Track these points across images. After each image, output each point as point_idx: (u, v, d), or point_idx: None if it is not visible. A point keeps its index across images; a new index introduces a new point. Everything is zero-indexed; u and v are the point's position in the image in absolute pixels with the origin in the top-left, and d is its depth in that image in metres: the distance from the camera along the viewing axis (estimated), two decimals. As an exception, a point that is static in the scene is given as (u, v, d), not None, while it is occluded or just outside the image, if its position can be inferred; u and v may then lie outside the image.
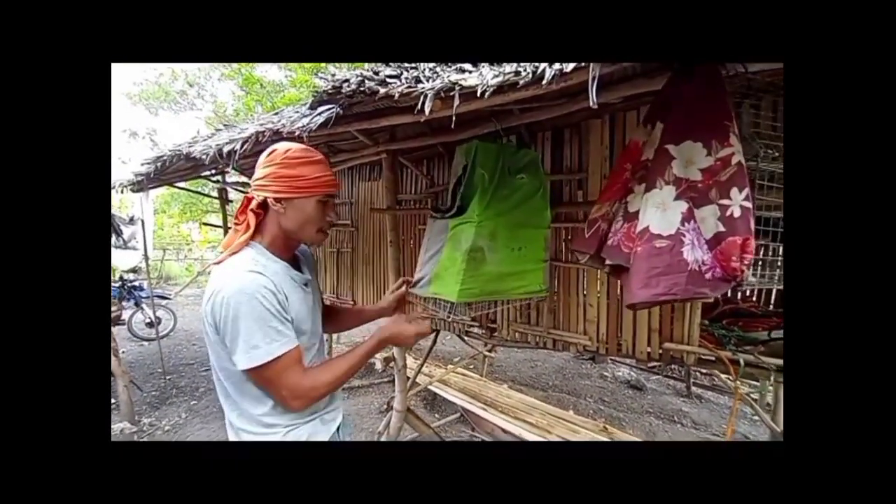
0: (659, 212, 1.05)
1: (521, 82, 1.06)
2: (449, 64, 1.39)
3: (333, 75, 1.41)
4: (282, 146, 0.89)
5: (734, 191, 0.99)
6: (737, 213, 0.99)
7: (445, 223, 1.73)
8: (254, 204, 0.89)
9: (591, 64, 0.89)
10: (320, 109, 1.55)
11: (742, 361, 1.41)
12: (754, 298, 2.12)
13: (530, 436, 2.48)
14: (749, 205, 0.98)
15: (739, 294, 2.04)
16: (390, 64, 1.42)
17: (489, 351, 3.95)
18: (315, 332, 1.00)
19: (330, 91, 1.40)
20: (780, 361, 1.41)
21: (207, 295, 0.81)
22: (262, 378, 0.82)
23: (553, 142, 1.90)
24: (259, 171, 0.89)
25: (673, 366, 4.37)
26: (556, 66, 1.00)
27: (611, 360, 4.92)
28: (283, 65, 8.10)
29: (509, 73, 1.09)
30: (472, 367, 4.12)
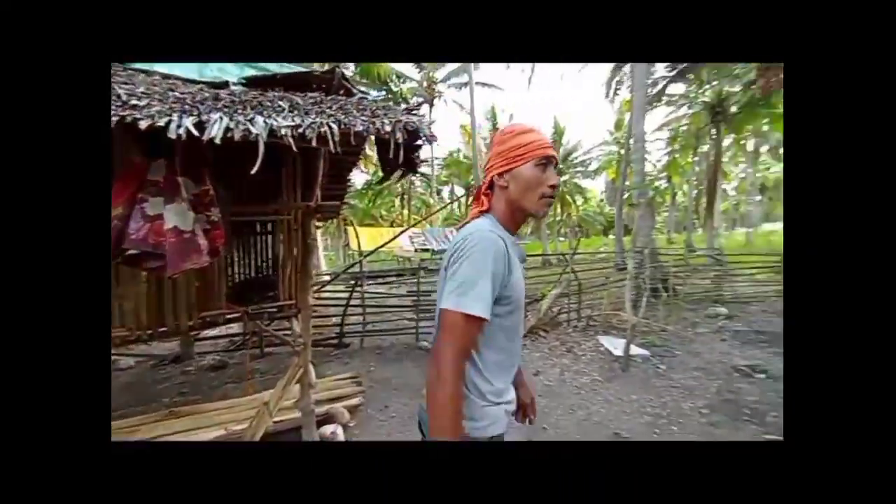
0: (181, 217, 1.63)
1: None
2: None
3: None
4: (501, 130, 1.02)
5: (213, 208, 1.72)
6: (215, 218, 1.74)
7: None
8: (483, 187, 1.03)
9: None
10: None
11: (249, 311, 2.30)
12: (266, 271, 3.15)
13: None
14: (220, 214, 1.73)
15: (258, 267, 3.01)
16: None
17: None
18: (521, 306, 1.02)
19: None
20: (271, 309, 2.40)
21: (451, 243, 0.91)
22: (444, 322, 0.85)
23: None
24: (487, 159, 1.02)
25: (253, 338, 5.14)
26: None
27: (197, 354, 4.96)
28: None
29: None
30: None
